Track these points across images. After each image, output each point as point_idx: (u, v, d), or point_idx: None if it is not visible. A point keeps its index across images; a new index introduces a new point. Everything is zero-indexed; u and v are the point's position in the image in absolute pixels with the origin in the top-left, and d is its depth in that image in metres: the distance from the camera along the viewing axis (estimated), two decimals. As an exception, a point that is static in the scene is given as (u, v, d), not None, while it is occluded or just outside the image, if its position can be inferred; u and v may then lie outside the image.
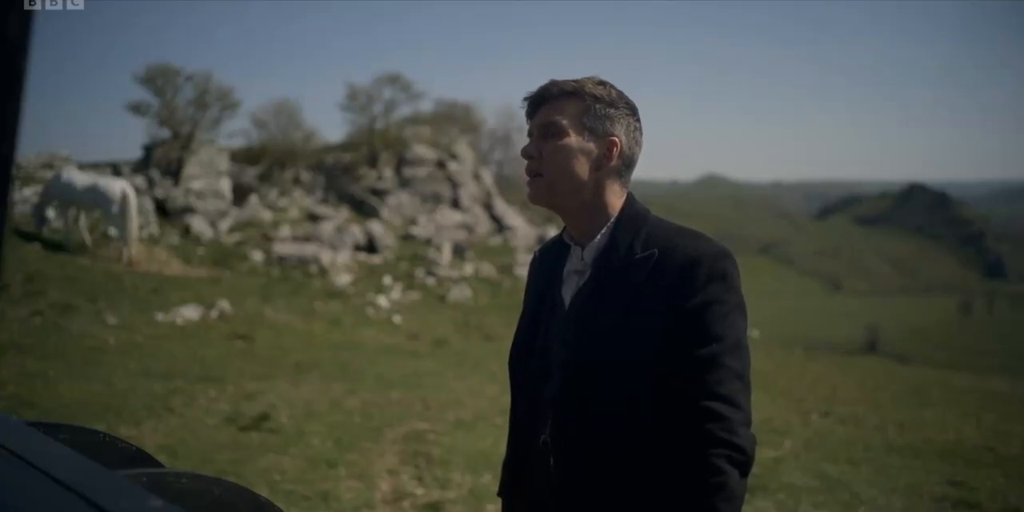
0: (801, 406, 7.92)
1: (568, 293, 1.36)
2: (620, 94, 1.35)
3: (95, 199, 11.27)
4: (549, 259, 1.44)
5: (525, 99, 1.35)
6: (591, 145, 1.30)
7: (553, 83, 1.33)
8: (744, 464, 1.18)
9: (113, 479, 0.64)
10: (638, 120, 1.36)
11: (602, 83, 1.34)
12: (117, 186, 11.42)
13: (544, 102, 1.32)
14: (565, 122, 1.29)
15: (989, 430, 7.17)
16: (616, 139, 1.31)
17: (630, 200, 1.36)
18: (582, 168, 1.30)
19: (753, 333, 19.97)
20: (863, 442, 6.27)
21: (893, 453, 5.95)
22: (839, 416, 7.44)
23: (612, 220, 1.33)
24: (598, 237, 1.33)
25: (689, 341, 1.20)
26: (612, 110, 1.32)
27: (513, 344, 1.46)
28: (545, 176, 1.31)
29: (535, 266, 1.50)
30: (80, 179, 11.48)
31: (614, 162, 1.31)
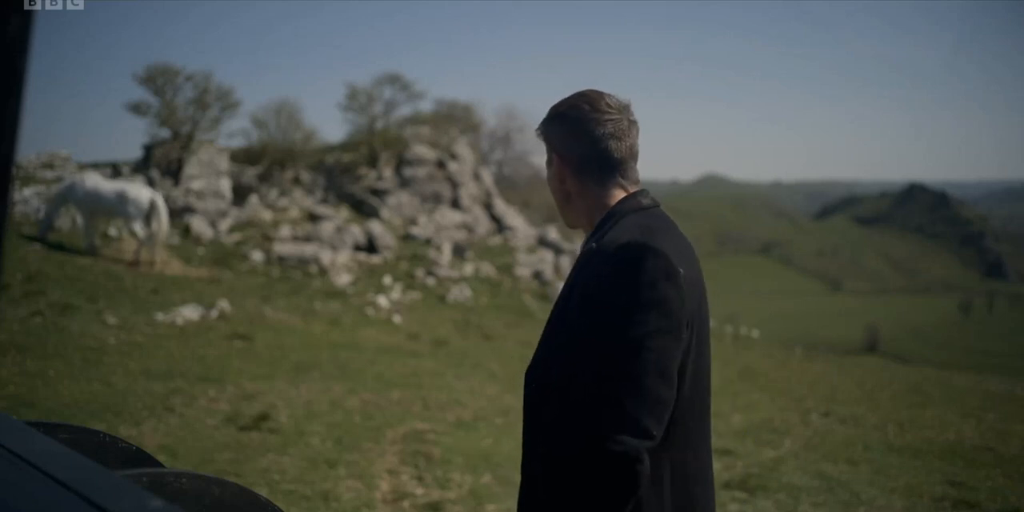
0: (801, 406, 7.92)
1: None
2: (552, 113, 1.43)
3: (124, 208, 11.26)
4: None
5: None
6: (554, 166, 1.43)
7: (551, 117, 1.45)
8: (588, 464, 1.12)
9: (113, 479, 0.64)
10: (567, 120, 1.40)
11: (561, 107, 1.43)
12: (146, 195, 11.44)
13: (541, 133, 1.47)
14: (547, 156, 1.45)
15: (989, 430, 7.17)
16: (556, 153, 1.42)
17: (624, 199, 1.38)
18: (561, 187, 1.43)
19: (753, 333, 19.96)
20: (863, 442, 6.27)
21: (893, 453, 5.95)
22: (839, 416, 7.44)
23: (603, 217, 1.39)
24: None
25: (590, 336, 1.19)
26: (548, 131, 1.43)
27: None
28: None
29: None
30: (106, 186, 11.46)
31: (569, 170, 1.40)
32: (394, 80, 22.42)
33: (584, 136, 1.39)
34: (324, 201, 19.81)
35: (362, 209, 19.45)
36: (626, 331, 1.15)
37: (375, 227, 17.55)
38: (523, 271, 17.98)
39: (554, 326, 1.31)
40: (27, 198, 12.60)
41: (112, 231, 13.23)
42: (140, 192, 11.47)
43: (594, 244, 1.29)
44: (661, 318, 1.16)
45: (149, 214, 11.33)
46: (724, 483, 4.75)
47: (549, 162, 1.45)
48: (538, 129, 1.46)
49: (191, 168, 17.47)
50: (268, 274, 13.78)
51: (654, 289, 1.17)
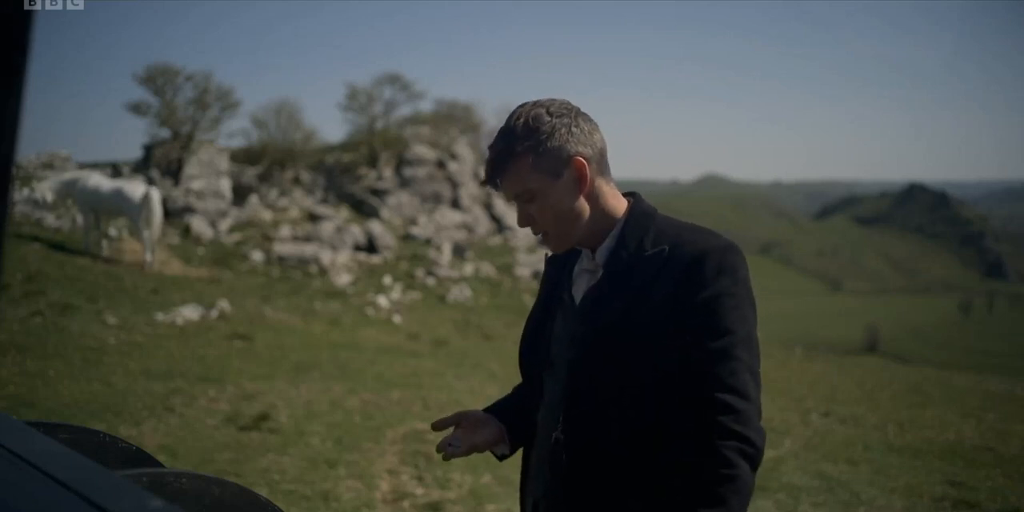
0: (801, 406, 7.92)
1: (579, 292, 1.38)
2: (539, 114, 1.31)
3: (121, 204, 11.27)
4: (560, 259, 1.47)
5: (482, 183, 1.38)
6: (564, 179, 1.30)
7: (488, 161, 1.33)
8: (753, 457, 1.17)
9: (113, 479, 0.64)
10: (576, 117, 1.33)
11: (526, 119, 1.30)
12: (140, 190, 11.43)
13: (498, 178, 1.32)
14: (531, 185, 1.29)
15: (989, 430, 7.17)
16: (575, 158, 1.30)
17: (637, 200, 1.38)
18: (573, 204, 1.31)
19: (753, 333, 19.95)
20: (863, 442, 6.27)
21: (893, 453, 5.95)
22: (839, 416, 7.44)
23: (620, 222, 1.35)
24: (607, 239, 1.35)
25: (700, 334, 1.21)
26: (551, 138, 1.29)
27: (522, 340, 1.50)
28: (552, 232, 1.34)
29: (549, 263, 1.53)
30: (105, 184, 11.48)
31: (590, 176, 1.31)
32: (394, 80, 22.43)
33: (585, 126, 1.33)
34: (324, 201, 19.81)
35: (362, 209, 19.45)
36: (740, 327, 1.22)
37: (375, 227, 17.55)
38: (523, 271, 17.98)
39: (606, 319, 1.27)
40: (27, 198, 12.60)
41: (112, 231, 13.23)
42: (135, 188, 11.47)
43: (666, 247, 1.27)
44: (754, 313, 1.27)
45: (144, 209, 11.29)
46: (724, 483, 4.75)
47: (551, 179, 1.29)
48: (515, 148, 1.29)
49: (191, 168, 17.47)
50: (268, 274, 13.78)
51: (749, 287, 1.27)
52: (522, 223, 1.36)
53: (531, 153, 1.29)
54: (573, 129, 1.31)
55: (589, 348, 1.29)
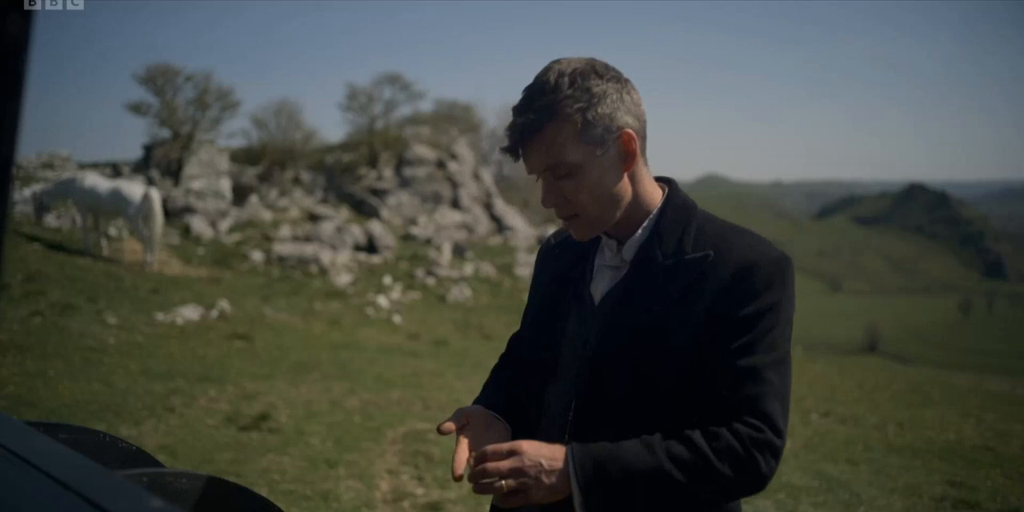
0: (801, 406, 7.91)
1: (600, 289, 1.22)
2: (592, 70, 1.11)
3: (119, 205, 11.28)
4: (571, 250, 1.30)
5: (503, 150, 1.16)
6: (610, 154, 1.12)
7: (524, 117, 1.10)
8: (752, 484, 1.07)
9: (113, 479, 0.64)
10: (626, 83, 1.14)
11: (572, 75, 1.10)
12: (139, 190, 11.45)
13: (529, 142, 1.11)
14: (572, 157, 1.10)
15: (989, 430, 7.17)
16: (627, 129, 1.12)
17: (673, 189, 1.23)
18: (616, 184, 1.14)
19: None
20: (863, 442, 6.27)
21: (893, 453, 5.95)
22: (839, 416, 7.44)
23: (655, 213, 1.20)
24: (639, 231, 1.19)
25: (734, 351, 1.09)
26: (603, 102, 1.10)
27: (523, 340, 1.35)
28: (584, 215, 1.15)
29: (550, 255, 1.35)
30: (103, 184, 11.49)
31: (637, 150, 1.14)
32: (394, 80, 22.46)
33: (636, 96, 1.15)
34: (324, 201, 19.82)
35: (362, 209, 19.45)
36: (779, 347, 1.12)
37: (375, 227, 17.55)
38: (523, 271, 17.97)
39: (635, 319, 1.14)
40: (27, 198, 12.61)
41: (112, 231, 13.23)
42: (134, 189, 11.48)
43: (711, 252, 1.13)
44: (791, 332, 1.17)
45: (144, 209, 11.31)
46: (724, 483, 4.75)
47: (597, 152, 1.10)
48: (561, 109, 1.08)
49: (191, 168, 17.48)
50: (268, 274, 13.78)
51: (794, 304, 1.16)
52: (550, 202, 1.16)
53: (579, 118, 1.09)
54: (624, 96, 1.12)
55: (609, 352, 1.15)
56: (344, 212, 19.01)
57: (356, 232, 17.05)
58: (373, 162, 21.29)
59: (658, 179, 1.25)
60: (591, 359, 1.18)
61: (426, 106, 24.68)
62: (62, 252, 11.19)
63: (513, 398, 1.32)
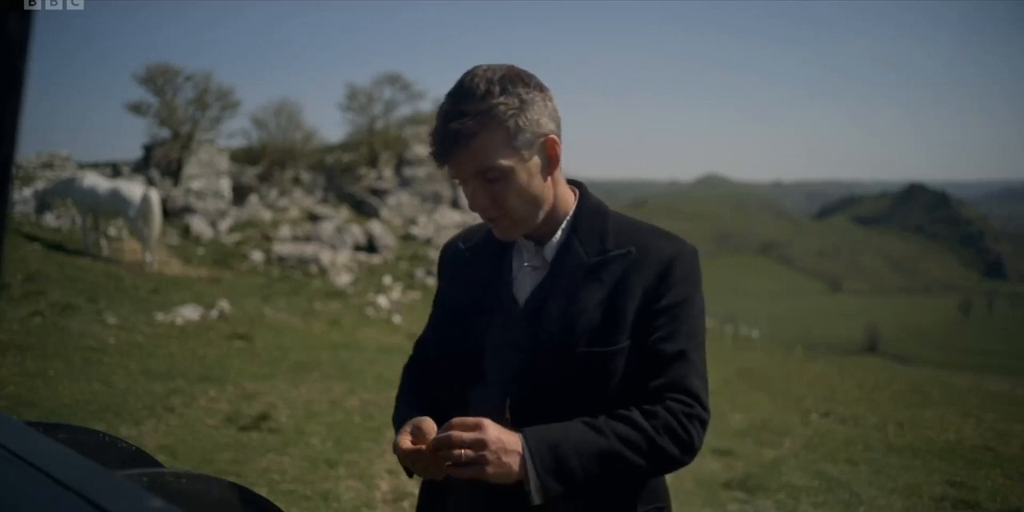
0: (801, 406, 7.92)
1: (523, 290, 1.24)
2: (519, 77, 1.14)
3: (118, 205, 11.28)
4: (485, 254, 1.31)
5: (430, 155, 1.15)
6: (535, 159, 1.16)
7: (449, 131, 1.11)
8: (688, 454, 1.13)
9: (113, 479, 0.64)
10: (546, 90, 1.18)
11: (502, 82, 1.12)
12: (139, 191, 11.44)
13: (461, 146, 1.11)
14: (503, 162, 1.12)
15: (989, 430, 7.17)
16: (550, 136, 1.16)
17: (585, 193, 1.28)
18: (540, 188, 1.18)
19: (753, 333, 19.96)
20: (863, 442, 6.27)
21: (893, 453, 5.95)
22: (839, 416, 7.44)
23: (571, 214, 1.25)
24: (559, 233, 1.23)
25: (663, 338, 1.16)
26: (531, 108, 1.13)
27: (431, 343, 1.33)
28: (510, 216, 1.18)
29: (459, 259, 1.34)
30: (102, 185, 11.50)
31: (560, 156, 1.19)
32: (394, 80, 22.46)
33: (557, 110, 1.20)
34: (324, 201, 19.82)
35: (362, 209, 19.45)
36: (698, 332, 1.21)
37: (375, 227, 17.55)
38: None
39: (567, 320, 1.17)
40: (27, 198, 12.62)
41: (112, 231, 13.23)
42: (133, 189, 11.48)
43: (633, 249, 1.20)
44: (705, 319, 1.28)
45: (143, 209, 11.31)
46: (724, 483, 4.76)
47: (525, 157, 1.14)
48: (494, 115, 1.10)
49: (191, 168, 17.49)
50: (268, 274, 13.78)
51: (702, 293, 1.27)
52: (479, 204, 1.17)
53: (512, 123, 1.11)
54: (547, 103, 1.16)
55: (541, 353, 1.17)
56: (344, 212, 19.02)
57: (356, 232, 17.05)
58: (373, 162, 21.30)
59: (569, 182, 1.30)
60: (525, 359, 1.18)
61: (426, 106, 24.64)
62: (62, 252, 11.19)
63: (434, 402, 1.28)
